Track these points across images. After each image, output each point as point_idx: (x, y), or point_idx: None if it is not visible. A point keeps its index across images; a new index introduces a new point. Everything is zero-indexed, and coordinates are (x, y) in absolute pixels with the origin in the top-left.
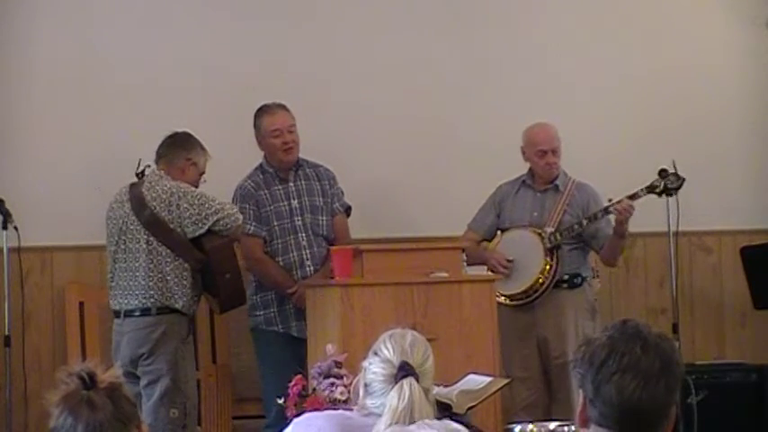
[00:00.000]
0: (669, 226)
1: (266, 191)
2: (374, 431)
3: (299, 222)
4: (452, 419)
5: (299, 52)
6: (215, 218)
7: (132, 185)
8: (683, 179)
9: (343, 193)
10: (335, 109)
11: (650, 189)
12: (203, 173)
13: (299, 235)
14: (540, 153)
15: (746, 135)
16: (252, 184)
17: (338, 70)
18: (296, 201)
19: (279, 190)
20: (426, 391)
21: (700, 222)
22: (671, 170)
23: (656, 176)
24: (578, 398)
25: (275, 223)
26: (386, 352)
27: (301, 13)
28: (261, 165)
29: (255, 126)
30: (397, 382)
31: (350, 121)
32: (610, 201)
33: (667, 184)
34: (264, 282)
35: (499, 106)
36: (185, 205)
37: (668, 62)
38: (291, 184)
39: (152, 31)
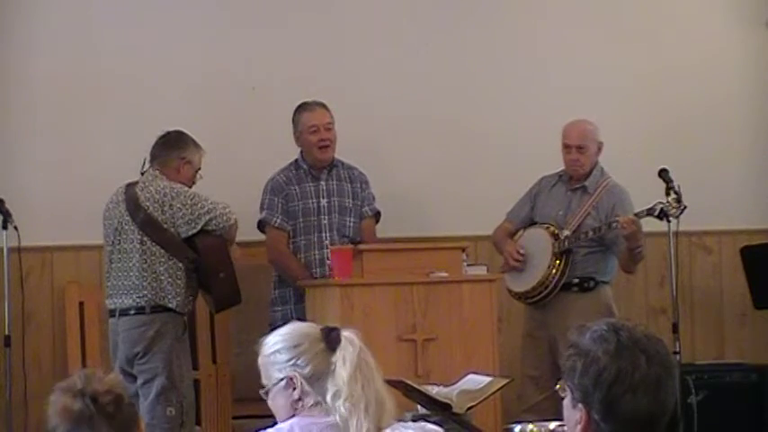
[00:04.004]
0: (669, 226)
1: (297, 186)
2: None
3: (326, 221)
4: (453, 419)
5: (303, 53)
6: (207, 217)
7: (128, 186)
8: (684, 206)
9: (374, 198)
10: (341, 110)
11: (650, 212)
12: (199, 169)
13: (324, 234)
14: (566, 148)
15: (747, 135)
16: (284, 177)
17: (340, 70)
18: (325, 200)
19: (309, 187)
20: None
21: (700, 222)
22: (673, 193)
23: (659, 199)
24: (575, 413)
25: (301, 219)
26: (300, 339)
27: (307, 11)
28: (296, 160)
29: (293, 122)
30: (332, 346)
31: (356, 122)
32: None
33: (665, 209)
34: (284, 276)
35: (502, 108)
36: (178, 205)
37: (668, 62)
38: (323, 182)
39: (153, 31)
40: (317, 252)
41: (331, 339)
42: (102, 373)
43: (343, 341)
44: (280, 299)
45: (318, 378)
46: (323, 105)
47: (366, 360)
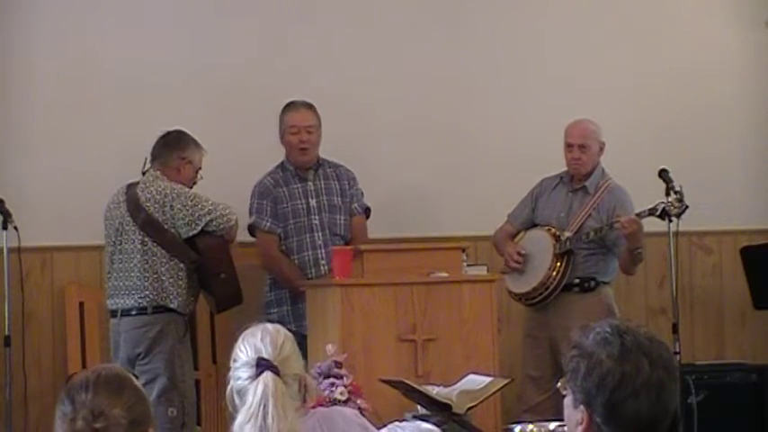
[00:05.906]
0: (669, 226)
1: (284, 188)
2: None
3: (316, 221)
4: (453, 419)
5: (303, 52)
6: (208, 218)
7: (129, 186)
8: (686, 206)
9: (362, 194)
10: (340, 110)
11: (651, 212)
12: (199, 169)
13: (315, 234)
14: (567, 146)
15: (747, 135)
16: (271, 180)
17: (340, 70)
18: (314, 200)
19: (297, 188)
20: (295, 378)
21: (700, 222)
22: (674, 193)
23: (659, 199)
24: (576, 413)
25: (291, 221)
26: (242, 355)
27: (307, 11)
28: (282, 162)
29: (280, 120)
30: (256, 376)
31: (356, 122)
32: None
33: (666, 208)
34: (278, 279)
35: (502, 108)
36: (178, 206)
37: (668, 62)
38: (310, 182)
39: (152, 30)
40: (309, 253)
41: (257, 372)
42: (108, 401)
43: (259, 383)
44: (275, 301)
45: (239, 398)
46: (308, 106)
47: (275, 402)
